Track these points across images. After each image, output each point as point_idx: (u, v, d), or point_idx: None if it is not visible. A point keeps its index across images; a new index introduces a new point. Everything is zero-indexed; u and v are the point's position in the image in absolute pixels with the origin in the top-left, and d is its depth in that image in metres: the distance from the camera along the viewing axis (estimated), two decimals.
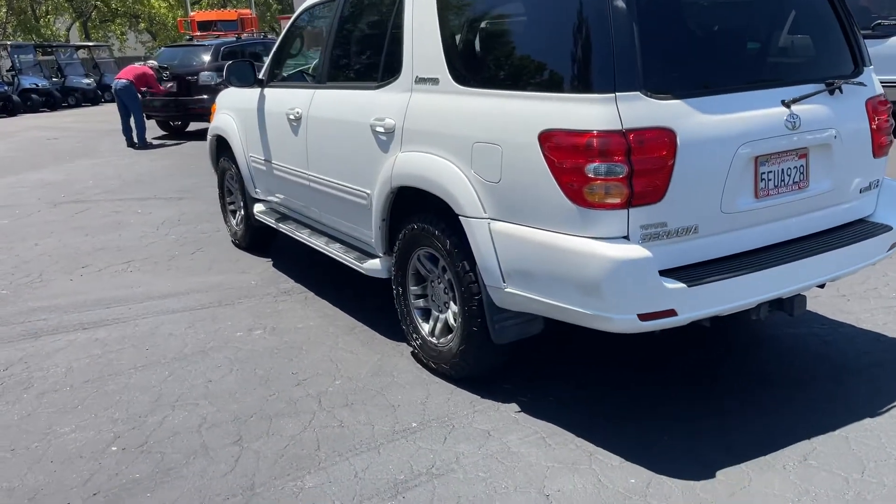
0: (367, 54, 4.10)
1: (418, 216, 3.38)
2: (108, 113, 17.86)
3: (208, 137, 5.87)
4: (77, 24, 43.18)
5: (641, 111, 2.56)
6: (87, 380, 3.65)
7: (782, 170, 2.87)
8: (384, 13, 3.78)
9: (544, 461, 2.77)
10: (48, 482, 2.81)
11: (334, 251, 4.20)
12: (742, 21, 3.09)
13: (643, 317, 2.60)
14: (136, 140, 12.59)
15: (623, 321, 2.62)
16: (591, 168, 2.55)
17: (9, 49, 24.33)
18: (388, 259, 3.72)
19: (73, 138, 14.64)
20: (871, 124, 3.11)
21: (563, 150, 2.62)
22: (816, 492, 2.51)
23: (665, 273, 2.63)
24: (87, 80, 25.63)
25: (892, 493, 2.49)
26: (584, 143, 2.57)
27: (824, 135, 2.95)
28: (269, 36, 21.16)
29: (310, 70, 4.92)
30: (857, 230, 3.13)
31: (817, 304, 4.01)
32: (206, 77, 12.94)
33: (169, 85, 13.04)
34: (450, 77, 3.19)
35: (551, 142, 2.66)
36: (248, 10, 31.77)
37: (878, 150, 3.16)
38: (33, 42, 30.90)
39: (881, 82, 3.29)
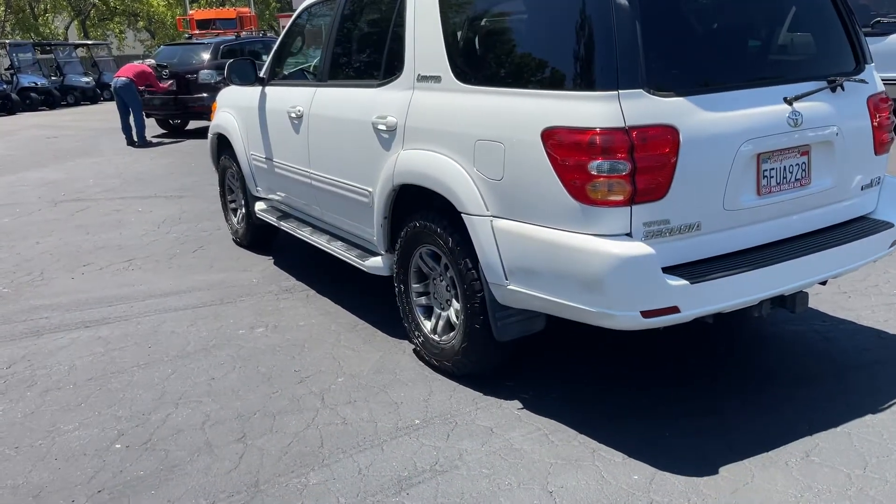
0: (369, 52, 4.11)
1: (420, 214, 3.39)
2: (108, 111, 17.85)
3: (209, 136, 5.87)
4: (76, 22, 43.14)
5: (644, 108, 2.57)
6: (91, 377, 3.66)
7: (784, 167, 2.88)
8: (386, 11, 3.78)
9: (547, 458, 2.78)
10: (52, 479, 2.82)
11: (336, 249, 4.21)
12: (744, 18, 3.10)
13: (646, 314, 2.61)
14: (135, 138, 12.58)
15: (626, 318, 2.63)
16: (594, 165, 2.56)
17: (7, 47, 24.31)
18: (389, 257, 3.73)
19: (73, 137, 14.63)
20: (872, 121, 3.11)
21: (565, 147, 2.63)
22: (819, 488, 2.52)
23: (668, 270, 2.63)
24: (85, 79, 25.61)
25: (894, 488, 2.50)
26: (586, 141, 2.57)
27: (826, 132, 2.96)
28: (269, 34, 21.19)
29: (311, 68, 4.93)
30: (858, 227, 3.14)
31: (818, 300, 4.02)
32: (205, 75, 12.94)
33: (168, 83, 13.03)
34: (452, 75, 3.19)
35: (554, 139, 2.66)
36: (247, 9, 31.74)
37: (880, 147, 3.17)
38: (32, 40, 30.88)
39: (881, 80, 3.30)
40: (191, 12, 30.97)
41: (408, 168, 3.36)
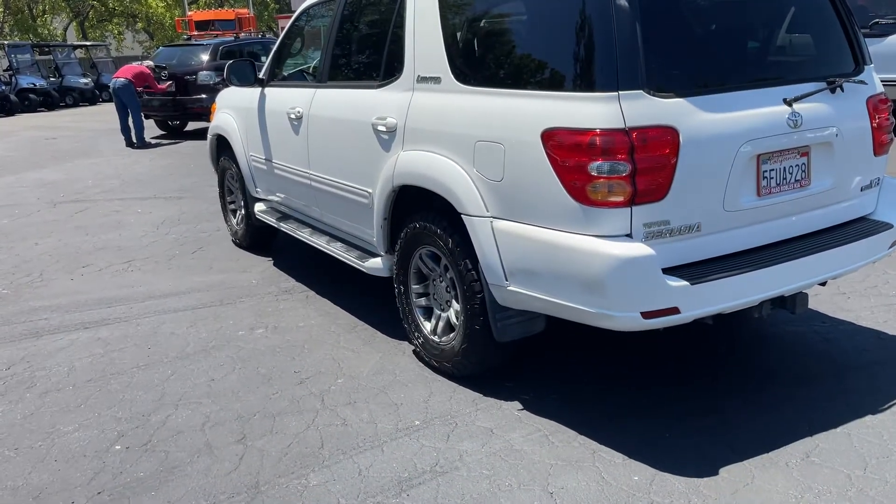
0: (369, 53, 4.11)
1: (420, 215, 3.39)
2: (106, 112, 17.84)
3: (208, 137, 5.87)
4: (74, 23, 43.12)
5: (644, 109, 2.57)
6: (90, 379, 3.66)
7: (784, 168, 2.88)
8: (385, 12, 3.79)
9: (547, 459, 2.78)
10: (52, 481, 2.81)
11: (335, 250, 4.21)
12: (744, 20, 3.10)
13: (646, 315, 2.61)
14: (134, 139, 12.58)
15: (626, 319, 2.63)
16: (595, 166, 2.56)
17: (6, 49, 24.29)
18: (389, 258, 3.73)
19: (72, 138, 14.62)
20: (871, 122, 3.12)
21: (566, 148, 2.63)
22: (819, 488, 2.53)
23: (668, 271, 2.63)
24: (84, 80, 25.60)
25: (894, 489, 2.50)
26: (587, 142, 2.57)
27: (826, 133, 2.96)
28: (267, 35, 21.17)
29: (310, 69, 4.93)
30: (857, 228, 3.14)
31: (818, 301, 4.02)
32: (204, 76, 12.94)
33: (167, 84, 13.03)
34: (452, 76, 3.19)
35: (554, 140, 2.66)
36: (245, 10, 31.74)
37: (879, 148, 3.17)
38: (30, 42, 30.86)
39: (880, 80, 3.30)
40: (189, 13, 30.97)
41: (408, 169, 3.36)
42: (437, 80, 3.27)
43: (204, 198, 7.85)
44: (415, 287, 3.58)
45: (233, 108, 5.41)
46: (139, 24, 45.27)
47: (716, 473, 2.64)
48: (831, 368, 3.39)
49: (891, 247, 3.23)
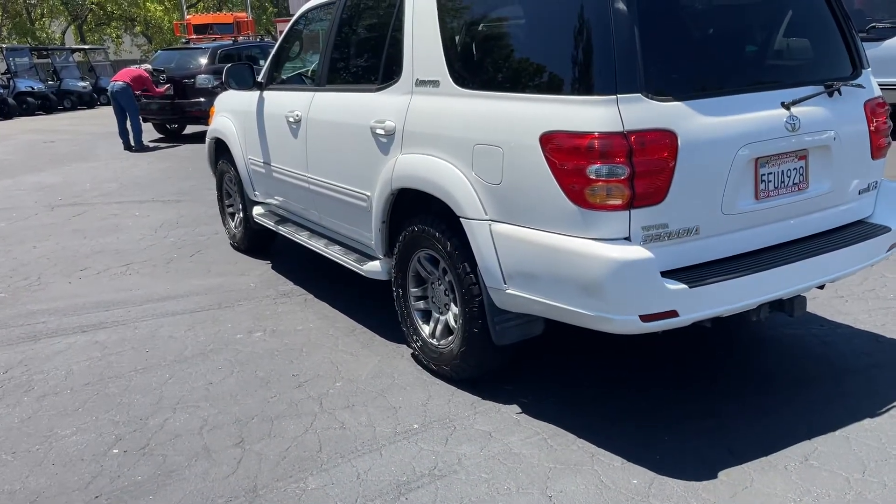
0: (367, 57, 4.11)
1: (419, 218, 3.39)
2: (104, 116, 17.83)
3: (207, 140, 5.87)
4: (72, 27, 43.12)
5: (643, 113, 2.57)
6: (88, 382, 3.65)
7: (782, 171, 2.89)
8: (384, 16, 3.79)
9: (546, 462, 2.78)
10: (50, 485, 2.80)
11: (334, 253, 4.20)
12: (742, 24, 3.11)
13: (645, 318, 2.61)
14: (132, 143, 12.57)
15: (625, 322, 2.63)
16: (593, 169, 2.56)
17: (4, 52, 24.26)
18: (388, 261, 3.72)
19: (70, 141, 14.61)
20: (869, 126, 3.12)
21: (564, 151, 2.63)
22: (818, 492, 2.53)
23: (666, 274, 2.64)
24: (82, 83, 25.59)
25: (892, 492, 2.50)
26: (585, 145, 2.58)
27: (823, 136, 2.97)
28: (266, 39, 21.18)
29: (309, 73, 4.93)
30: (855, 231, 3.15)
31: (816, 305, 4.03)
32: (202, 80, 12.95)
33: (165, 87, 13.04)
34: (450, 79, 3.20)
35: (553, 143, 2.67)
36: (244, 14, 31.71)
37: (877, 151, 3.18)
38: (28, 45, 30.84)
39: (878, 84, 3.31)
40: (188, 17, 30.92)
41: (406, 172, 3.36)
42: (435, 83, 3.28)
43: (202, 201, 7.84)
44: (413, 290, 3.58)
45: (231, 112, 5.41)
46: (137, 28, 45.27)
47: (714, 477, 2.63)
48: (829, 372, 3.39)
49: (889, 250, 3.24)
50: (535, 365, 3.57)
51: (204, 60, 13.37)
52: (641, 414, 3.09)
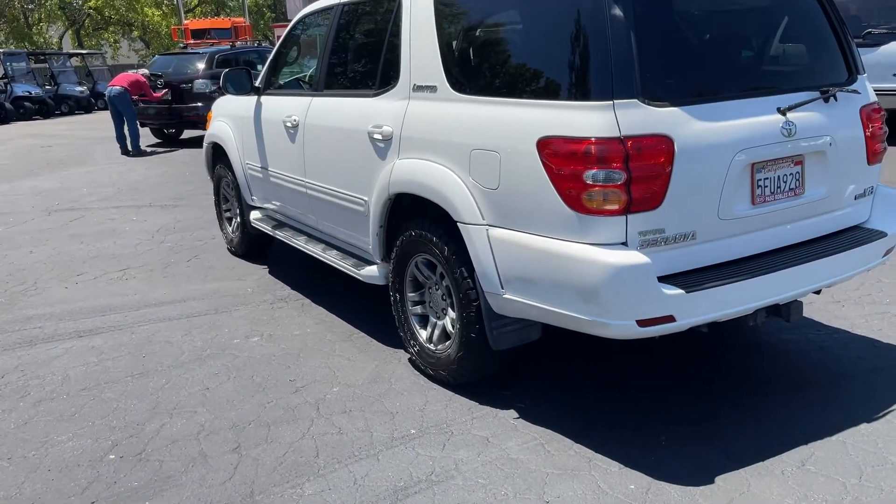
0: (364, 62, 4.12)
1: (416, 223, 3.39)
2: (102, 121, 17.82)
3: (204, 145, 5.87)
4: (70, 31, 43.14)
5: (639, 118, 2.58)
6: (84, 388, 3.64)
7: (778, 176, 2.89)
8: (381, 21, 3.80)
9: (543, 467, 2.78)
10: (46, 491, 2.80)
11: (331, 258, 4.20)
12: (738, 30, 3.13)
13: (642, 323, 2.62)
14: (130, 147, 12.56)
15: (622, 327, 2.64)
16: (590, 175, 2.57)
17: (1, 57, 24.26)
18: (385, 266, 3.73)
19: (67, 146, 14.60)
20: (865, 131, 3.13)
21: (561, 156, 2.64)
22: (815, 497, 2.53)
23: (663, 279, 2.64)
24: (80, 88, 25.59)
25: (889, 497, 2.51)
26: (582, 150, 2.58)
27: (819, 142, 2.97)
28: (263, 44, 21.18)
29: (306, 78, 4.94)
30: (852, 236, 3.15)
31: (813, 310, 4.03)
32: (200, 85, 12.95)
33: (163, 92, 13.04)
34: (447, 85, 3.20)
35: (549, 149, 2.67)
36: (241, 19, 31.74)
37: (873, 157, 3.19)
38: (26, 50, 30.84)
39: (873, 90, 3.32)
40: (185, 22, 30.96)
41: (404, 177, 3.37)
42: (432, 88, 3.28)
43: (199, 206, 7.84)
44: (411, 295, 3.58)
45: (229, 117, 5.41)
46: (135, 33, 45.26)
47: (712, 482, 2.63)
48: (826, 376, 3.40)
49: (885, 255, 3.24)
50: (533, 370, 3.57)
51: (201, 65, 13.38)
52: (639, 419, 3.09)
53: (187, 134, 14.34)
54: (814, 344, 3.73)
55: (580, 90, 2.65)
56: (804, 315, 3.47)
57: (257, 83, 4.95)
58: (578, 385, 3.42)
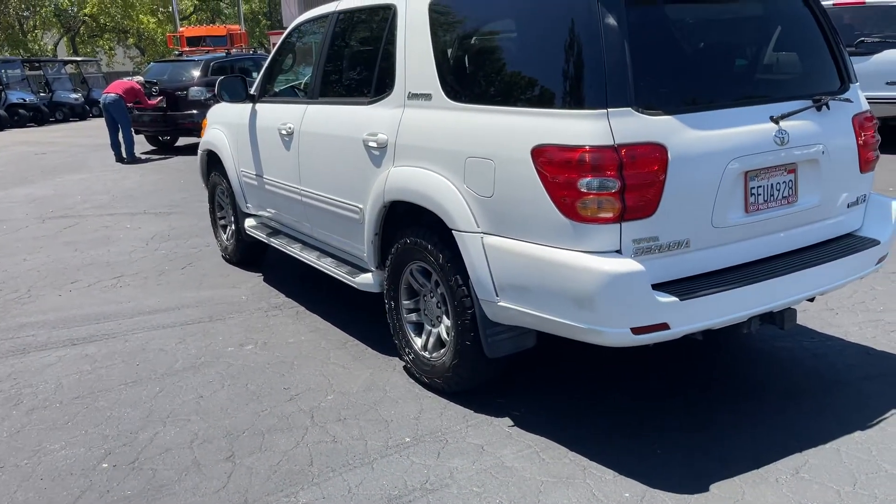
0: (360, 70, 4.13)
1: (411, 230, 3.40)
2: (97, 128, 17.81)
3: (199, 152, 5.87)
4: (65, 39, 43.11)
5: (633, 127, 2.59)
6: (77, 396, 3.62)
7: (771, 185, 2.91)
8: (376, 29, 3.81)
9: (538, 475, 2.77)
10: (38, 499, 2.78)
11: (326, 265, 4.20)
12: (731, 39, 3.15)
13: (636, 330, 2.62)
14: (124, 155, 12.54)
15: (616, 335, 2.64)
16: (584, 183, 2.58)
17: None
18: (380, 273, 3.72)
19: (62, 153, 14.57)
20: (857, 140, 3.15)
21: (555, 164, 2.65)
22: None
23: (657, 287, 2.65)
24: (74, 95, 25.54)
25: None
26: (576, 158, 2.59)
27: (812, 150, 2.99)
28: (259, 51, 21.23)
29: (301, 86, 4.95)
30: (845, 244, 3.17)
31: (807, 317, 4.05)
32: (195, 92, 12.96)
33: (158, 100, 13.03)
34: (442, 93, 3.21)
35: (544, 157, 2.68)
36: (237, 26, 31.79)
37: (865, 165, 3.21)
38: (21, 57, 30.80)
39: (865, 98, 3.34)
40: (181, 29, 31.00)
41: (399, 185, 3.37)
42: (427, 96, 3.29)
43: (194, 213, 7.83)
44: (405, 303, 3.58)
45: (224, 124, 5.41)
46: (130, 40, 45.26)
47: (706, 490, 2.63)
48: (820, 384, 3.41)
49: (878, 263, 3.26)
50: (528, 377, 3.57)
51: (197, 73, 13.39)
52: (633, 426, 3.09)
53: (182, 141, 14.33)
54: (808, 351, 3.74)
55: (574, 99, 2.66)
56: (798, 323, 3.48)
57: (252, 91, 4.96)
58: (573, 393, 3.42)
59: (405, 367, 3.69)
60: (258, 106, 4.87)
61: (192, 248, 6.45)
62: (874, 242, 3.21)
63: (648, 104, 2.63)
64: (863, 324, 4.02)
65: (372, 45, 3.85)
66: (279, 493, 2.74)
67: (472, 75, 3.22)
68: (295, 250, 4.58)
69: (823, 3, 3.29)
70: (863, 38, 9.17)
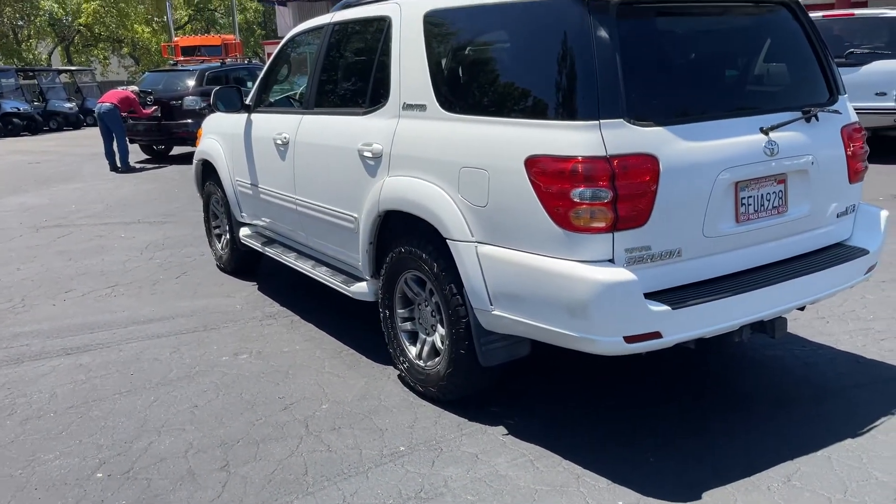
0: (355, 80, 4.16)
1: (406, 240, 3.42)
2: (91, 137, 17.79)
3: (194, 162, 5.88)
4: (59, 48, 43.10)
5: (625, 138, 2.63)
6: (72, 405, 3.62)
7: (762, 195, 2.94)
8: (371, 41, 3.85)
9: (532, 484, 2.78)
10: None
11: (321, 274, 4.21)
12: (721, 51, 3.19)
13: (629, 339, 2.65)
14: (119, 164, 12.54)
15: (609, 343, 2.66)
16: (577, 193, 2.61)
17: None
18: (375, 282, 3.74)
19: (56, 162, 14.54)
20: (846, 151, 3.20)
21: (549, 175, 2.68)
22: None
23: (650, 296, 2.67)
24: (69, 105, 25.50)
25: None
26: (569, 169, 2.62)
27: (801, 161, 3.03)
28: (254, 61, 21.26)
29: (297, 96, 4.97)
30: (834, 254, 3.20)
31: (798, 326, 4.08)
32: (190, 102, 12.97)
33: (153, 109, 13.05)
34: (437, 104, 3.24)
35: (537, 167, 2.71)
36: (231, 36, 31.91)
37: (854, 175, 3.25)
38: (15, 66, 30.77)
39: (855, 109, 3.39)
40: (176, 39, 31.08)
41: (393, 194, 3.39)
42: (422, 107, 3.32)
43: (188, 222, 7.83)
44: (400, 311, 3.60)
45: (219, 134, 5.43)
46: (125, 49, 45.30)
47: (699, 498, 2.65)
48: (811, 392, 3.43)
49: (867, 272, 3.29)
50: (522, 386, 3.58)
51: (191, 82, 13.40)
52: (627, 435, 3.11)
53: (176, 150, 14.33)
54: (799, 360, 3.77)
55: (567, 110, 2.69)
56: (789, 331, 3.51)
57: (247, 101, 4.98)
58: (567, 401, 3.44)
59: (400, 376, 3.70)
60: (253, 116, 4.90)
61: (187, 257, 6.45)
62: (863, 252, 3.24)
63: (640, 115, 2.67)
64: (853, 332, 4.05)
65: (367, 56, 3.88)
66: (274, 502, 2.75)
67: (466, 86, 3.25)
68: (290, 259, 4.59)
69: (813, 15, 3.34)
70: (852, 50, 9.28)
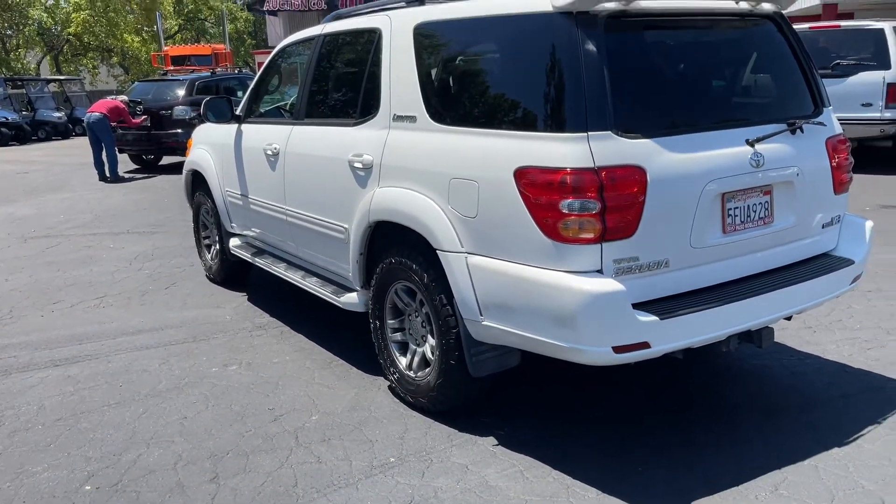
0: (345, 92, 4.18)
1: (396, 250, 3.43)
2: (80, 146, 17.70)
3: (184, 172, 5.88)
4: (48, 57, 42.96)
5: (613, 150, 2.65)
6: (60, 417, 3.60)
7: (748, 206, 2.97)
8: (362, 52, 3.87)
9: (522, 494, 2.79)
10: None
11: (311, 285, 4.22)
12: (708, 64, 3.23)
13: (617, 349, 2.66)
14: (108, 174, 12.50)
15: (598, 353, 2.68)
16: (565, 204, 2.63)
17: None
18: (365, 293, 3.75)
19: (44, 172, 14.47)
20: (831, 162, 3.24)
21: (537, 186, 2.70)
22: None
23: (638, 306, 2.69)
24: (57, 114, 25.40)
25: None
26: (558, 180, 2.64)
27: (787, 172, 3.07)
28: (244, 71, 21.27)
29: (287, 106, 4.98)
30: (820, 264, 3.24)
31: (785, 335, 4.11)
32: (179, 111, 12.94)
33: (142, 119, 13.02)
34: (427, 115, 3.26)
35: (526, 178, 2.73)
36: (222, 45, 31.89)
37: (839, 186, 3.29)
38: (3, 75, 30.64)
39: (841, 120, 3.44)
40: (165, 48, 31.04)
41: (384, 205, 3.41)
42: (412, 118, 3.34)
43: (177, 233, 7.81)
44: (390, 322, 3.60)
45: (209, 144, 5.43)
46: (114, 59, 45.21)
47: None
48: (798, 401, 3.46)
49: (852, 282, 3.33)
50: (512, 396, 3.59)
51: (181, 92, 13.38)
52: (616, 445, 3.12)
53: (166, 160, 14.30)
54: (786, 369, 3.80)
55: (556, 122, 2.72)
56: (776, 341, 3.54)
57: (238, 111, 4.99)
58: (557, 411, 3.45)
59: (390, 387, 3.70)
60: (244, 126, 4.90)
61: (176, 267, 6.43)
62: (849, 262, 3.28)
63: (628, 127, 2.70)
64: (840, 342, 4.09)
65: (357, 68, 3.90)
66: None
67: (456, 98, 3.28)
68: (280, 270, 4.59)
69: (799, 27, 3.38)
70: (838, 61, 9.39)
